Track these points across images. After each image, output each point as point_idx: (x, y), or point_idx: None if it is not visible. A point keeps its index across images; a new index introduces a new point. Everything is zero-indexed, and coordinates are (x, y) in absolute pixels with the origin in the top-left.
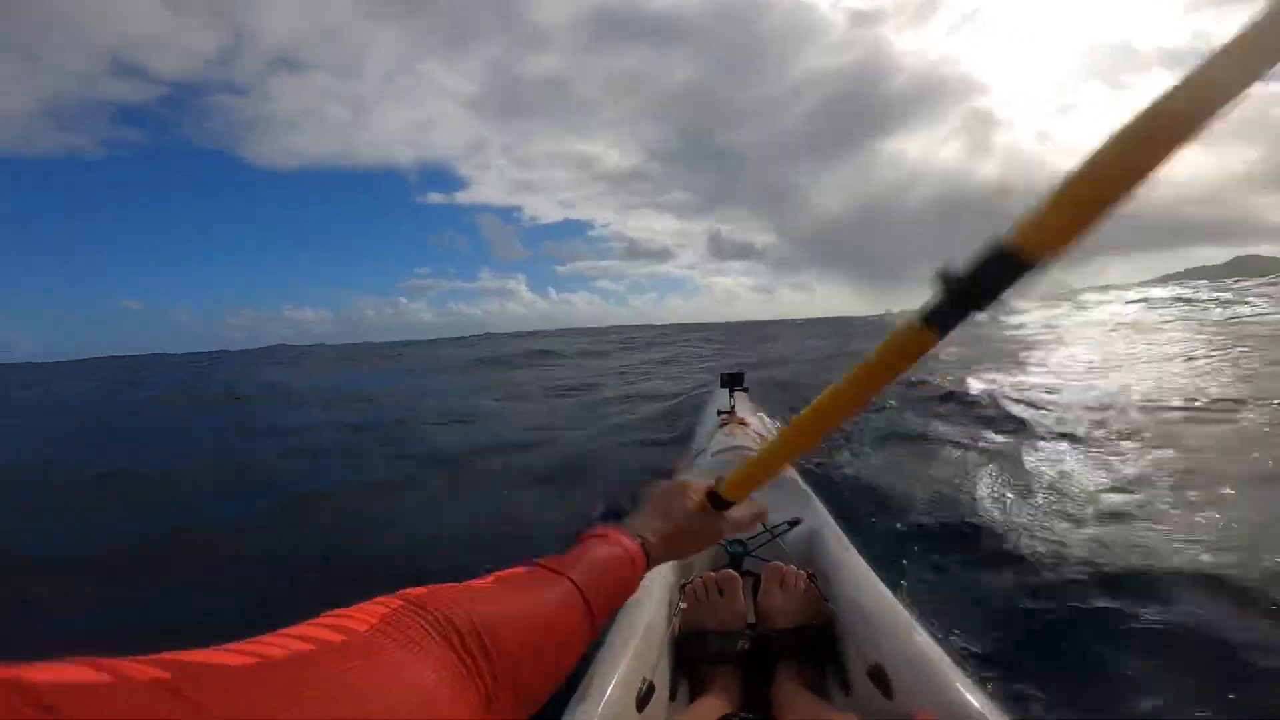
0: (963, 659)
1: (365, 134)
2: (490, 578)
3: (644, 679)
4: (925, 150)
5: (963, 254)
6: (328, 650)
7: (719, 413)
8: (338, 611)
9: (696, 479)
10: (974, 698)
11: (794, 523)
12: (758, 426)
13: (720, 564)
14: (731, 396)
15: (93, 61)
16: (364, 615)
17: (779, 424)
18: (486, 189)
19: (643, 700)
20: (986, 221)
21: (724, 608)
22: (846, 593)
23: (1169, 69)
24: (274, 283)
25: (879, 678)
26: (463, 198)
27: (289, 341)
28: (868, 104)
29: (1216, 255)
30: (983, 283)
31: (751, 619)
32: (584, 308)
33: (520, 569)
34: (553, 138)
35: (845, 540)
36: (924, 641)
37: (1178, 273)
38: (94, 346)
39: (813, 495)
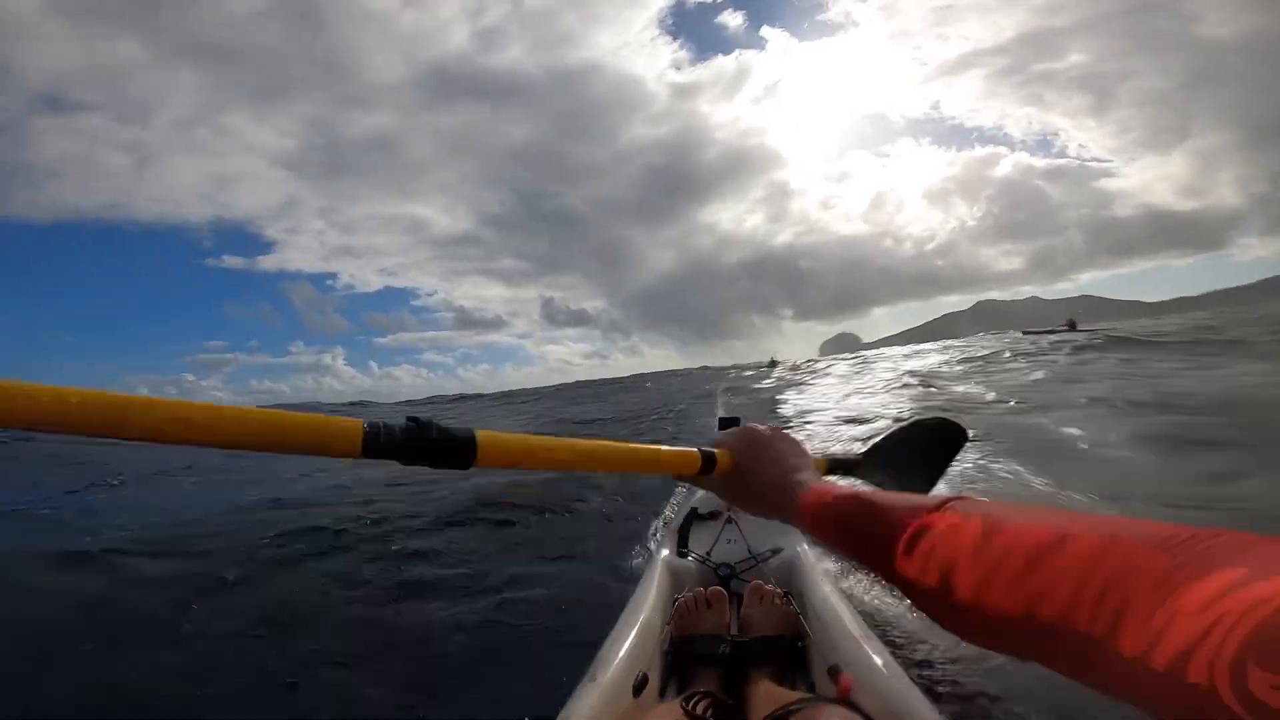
0: (908, 660)
1: (148, 187)
2: None
3: (640, 671)
4: (735, 218)
5: (765, 309)
6: None
7: None
8: None
9: None
10: (905, 686)
11: (776, 551)
12: None
13: (710, 584)
14: None
15: None
16: None
17: None
18: (298, 254)
19: (638, 688)
20: (787, 282)
21: (710, 619)
22: (815, 610)
23: (914, 137)
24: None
25: (834, 675)
26: (268, 263)
27: None
28: (686, 174)
29: (962, 302)
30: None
31: (735, 630)
32: (410, 381)
33: None
34: (378, 200)
35: (818, 565)
36: (875, 647)
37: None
38: None
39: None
